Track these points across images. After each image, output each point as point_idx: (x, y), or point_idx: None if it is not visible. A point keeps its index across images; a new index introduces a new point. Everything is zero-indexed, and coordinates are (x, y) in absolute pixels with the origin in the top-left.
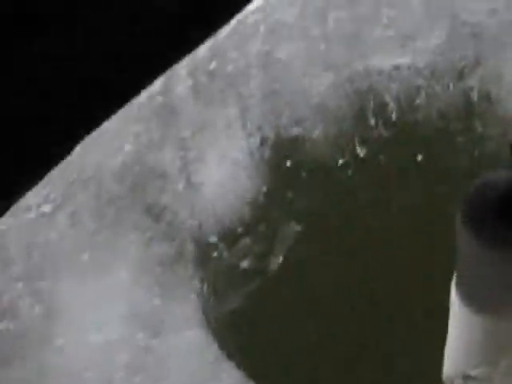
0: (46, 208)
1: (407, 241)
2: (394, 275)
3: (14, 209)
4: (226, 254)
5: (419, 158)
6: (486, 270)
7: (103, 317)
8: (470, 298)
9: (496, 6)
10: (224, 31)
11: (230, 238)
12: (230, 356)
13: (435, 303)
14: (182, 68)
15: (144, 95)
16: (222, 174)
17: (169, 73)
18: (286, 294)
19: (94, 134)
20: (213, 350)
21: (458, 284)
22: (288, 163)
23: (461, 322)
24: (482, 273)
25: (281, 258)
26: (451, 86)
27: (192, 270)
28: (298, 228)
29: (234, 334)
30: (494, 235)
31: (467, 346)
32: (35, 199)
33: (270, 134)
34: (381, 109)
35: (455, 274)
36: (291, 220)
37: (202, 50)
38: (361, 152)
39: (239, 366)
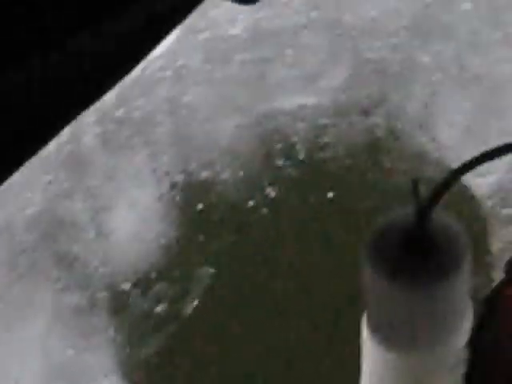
0: None
1: (324, 278)
2: (307, 312)
3: None
4: (140, 300)
5: (330, 195)
6: (394, 306)
7: (19, 371)
8: (382, 336)
9: (398, 42)
10: (130, 77)
11: (143, 283)
12: None
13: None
14: (89, 116)
15: (52, 145)
16: (133, 221)
17: (76, 121)
18: (201, 338)
19: (3, 186)
20: None
21: (368, 321)
22: (199, 206)
23: (373, 359)
24: (390, 310)
25: (196, 302)
26: (357, 123)
27: (106, 319)
28: (211, 271)
29: (151, 380)
30: (399, 271)
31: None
32: None
33: (180, 179)
34: (288, 149)
35: (365, 312)
36: (205, 263)
37: (109, 96)
38: (271, 192)
39: None
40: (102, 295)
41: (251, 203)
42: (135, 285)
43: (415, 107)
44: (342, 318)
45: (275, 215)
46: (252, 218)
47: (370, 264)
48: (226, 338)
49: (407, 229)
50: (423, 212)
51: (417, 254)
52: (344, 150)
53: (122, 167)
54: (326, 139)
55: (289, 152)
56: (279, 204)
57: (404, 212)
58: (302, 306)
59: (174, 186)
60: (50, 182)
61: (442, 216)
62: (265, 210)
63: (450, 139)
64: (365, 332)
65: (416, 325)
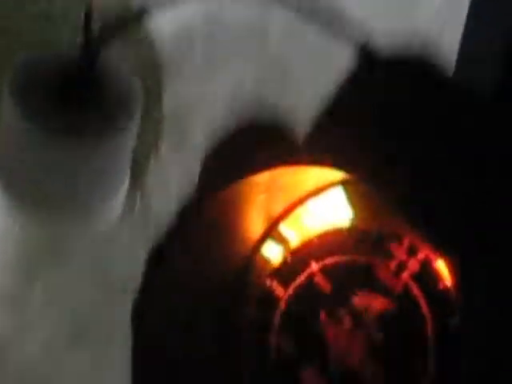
0: None
1: None
2: None
3: None
4: None
5: None
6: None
7: None
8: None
9: None
10: None
11: None
12: None
13: None
14: None
15: None
16: None
17: None
18: None
19: None
20: None
21: None
22: None
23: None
24: (26, 159)
25: None
26: None
27: None
28: None
29: None
30: (53, 121)
31: None
32: None
33: None
34: None
35: None
36: None
37: None
38: None
39: None
40: None
41: None
42: None
43: None
44: None
45: None
46: None
47: (13, 107)
48: None
49: (66, 67)
50: (91, 50)
51: (77, 101)
52: None
53: None
54: None
55: None
56: None
57: (69, 46)
58: None
59: None
60: None
61: (115, 59)
62: None
63: None
64: None
65: (66, 183)
